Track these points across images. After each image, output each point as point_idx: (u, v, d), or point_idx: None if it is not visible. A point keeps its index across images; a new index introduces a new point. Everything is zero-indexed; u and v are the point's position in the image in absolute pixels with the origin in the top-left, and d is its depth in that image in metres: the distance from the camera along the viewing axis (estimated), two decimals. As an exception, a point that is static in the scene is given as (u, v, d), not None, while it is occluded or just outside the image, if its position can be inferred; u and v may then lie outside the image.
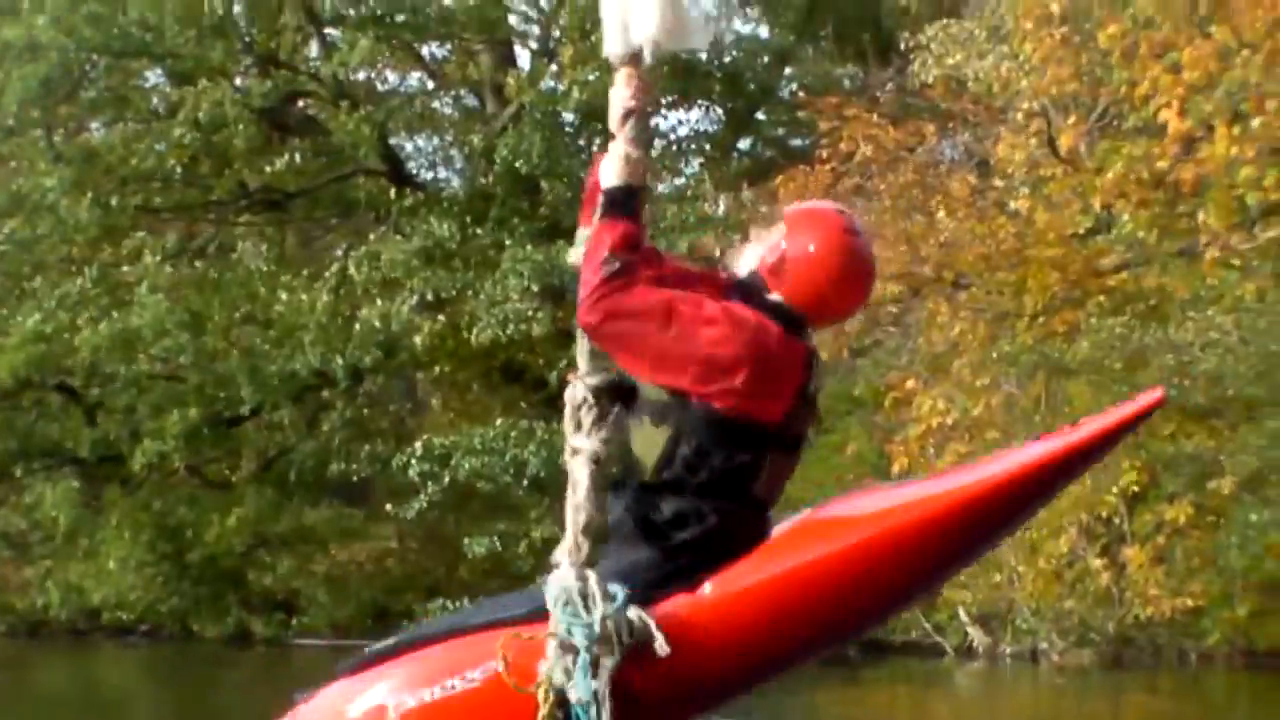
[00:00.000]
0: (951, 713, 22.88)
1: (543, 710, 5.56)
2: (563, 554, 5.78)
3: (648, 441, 5.84)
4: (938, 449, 25.38)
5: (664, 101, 35.11)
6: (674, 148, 37.00)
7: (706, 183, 33.25)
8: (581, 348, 5.99)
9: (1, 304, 34.80)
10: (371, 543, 35.71)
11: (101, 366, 34.57)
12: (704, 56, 35.11)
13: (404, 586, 34.34)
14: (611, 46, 6.06)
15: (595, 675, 5.56)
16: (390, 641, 6.13)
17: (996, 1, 26.46)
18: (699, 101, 36.53)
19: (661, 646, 5.54)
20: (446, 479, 31.32)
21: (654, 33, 5.95)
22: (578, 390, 5.92)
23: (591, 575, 5.69)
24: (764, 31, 37.53)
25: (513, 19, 36.71)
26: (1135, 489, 24.87)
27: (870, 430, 27.68)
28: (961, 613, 27.12)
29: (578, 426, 5.86)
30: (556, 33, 34.44)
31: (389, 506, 33.34)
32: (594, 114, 30.14)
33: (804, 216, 6.02)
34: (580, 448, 5.81)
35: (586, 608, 5.61)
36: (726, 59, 35.93)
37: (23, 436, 35.79)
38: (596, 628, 5.56)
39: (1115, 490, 24.71)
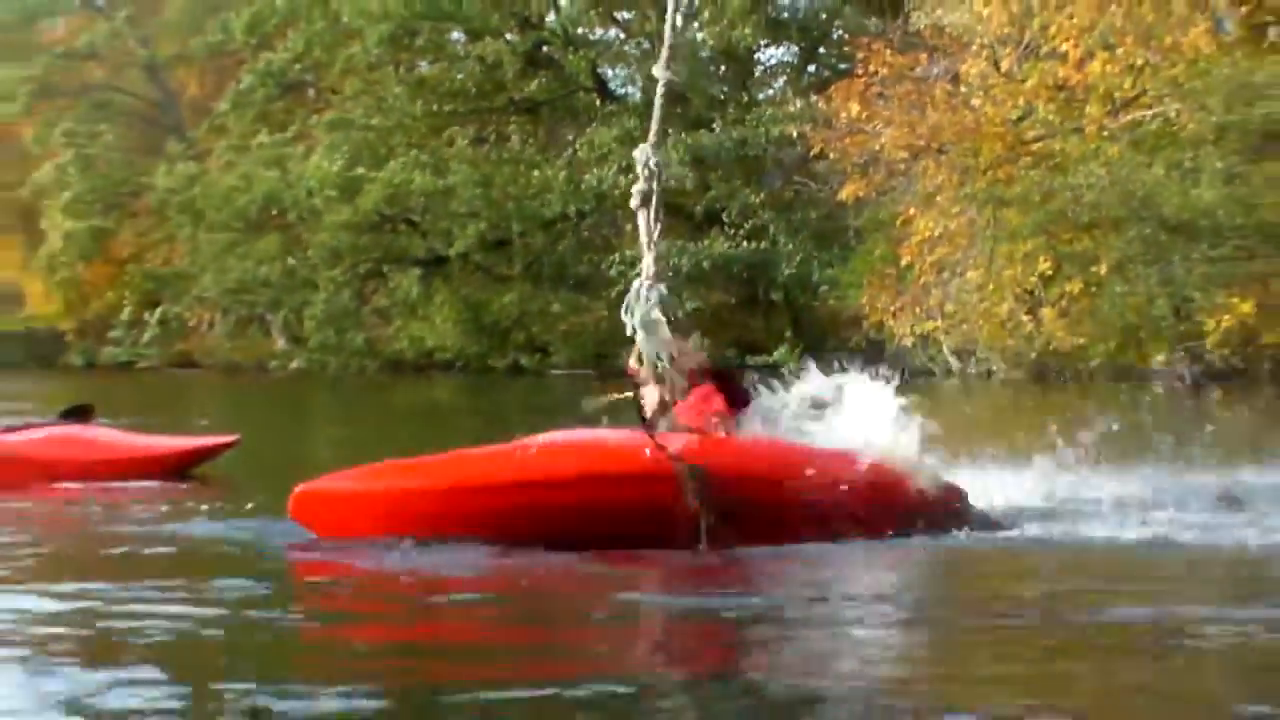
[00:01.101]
0: (939, 407, 22.70)
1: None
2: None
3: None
4: (929, 250, 25.69)
5: (761, 43, 35.31)
6: (767, 72, 36.93)
7: (789, 93, 33.43)
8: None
9: (368, 169, 35.80)
10: (592, 314, 36.08)
11: (431, 206, 35.59)
12: (785, 15, 35.22)
13: (611, 341, 34.69)
14: None
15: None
16: None
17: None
18: (783, 42, 36.31)
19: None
20: (634, 274, 32.13)
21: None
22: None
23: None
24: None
25: (671, -4, 36.72)
26: (1048, 272, 24.62)
27: (889, 239, 27.48)
28: (945, 349, 27.01)
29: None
30: (698, 2, 34.54)
31: (602, 292, 34.10)
32: (721, 52, 30.51)
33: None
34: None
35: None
36: (800, 15, 35.77)
37: (386, 248, 36.78)
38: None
39: (1035, 273, 24.54)
